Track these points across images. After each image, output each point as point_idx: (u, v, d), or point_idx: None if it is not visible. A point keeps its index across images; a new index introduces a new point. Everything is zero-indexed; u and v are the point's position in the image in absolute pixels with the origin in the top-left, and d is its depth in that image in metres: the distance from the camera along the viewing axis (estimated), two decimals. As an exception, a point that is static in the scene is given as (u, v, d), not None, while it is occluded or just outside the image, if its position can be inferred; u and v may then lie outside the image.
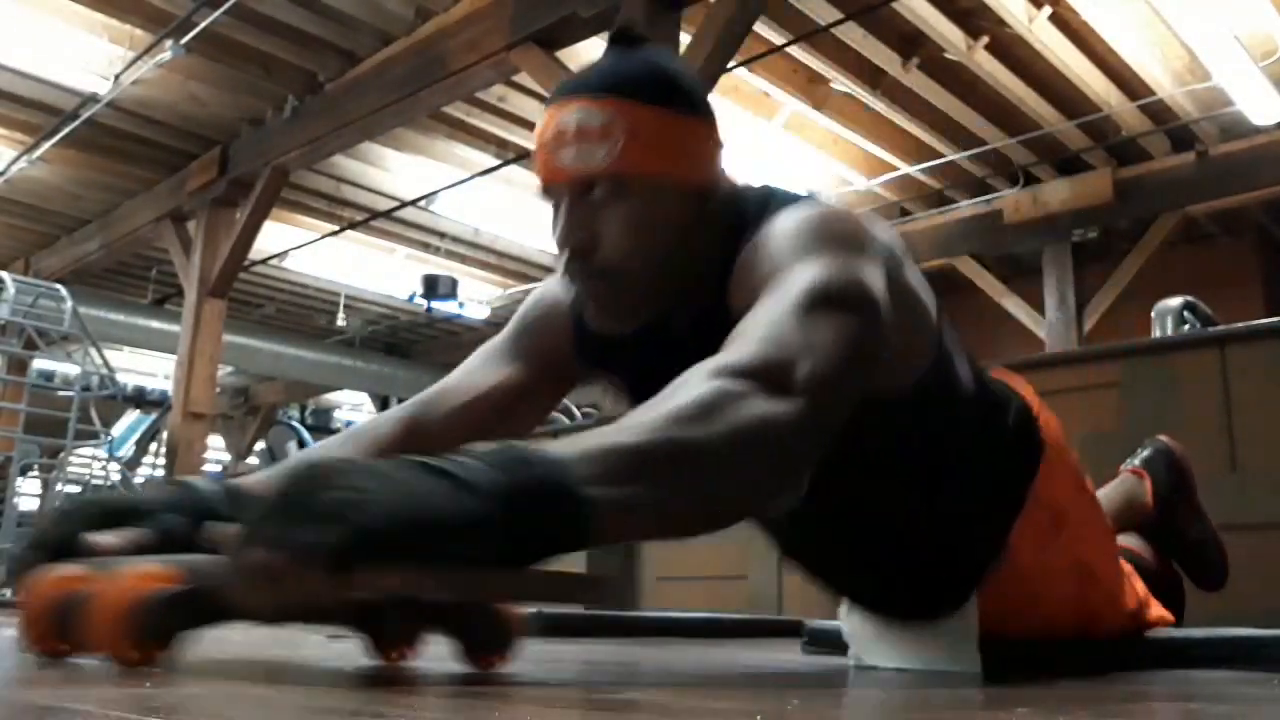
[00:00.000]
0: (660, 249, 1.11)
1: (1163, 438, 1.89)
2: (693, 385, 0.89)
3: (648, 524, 0.88)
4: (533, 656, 1.69)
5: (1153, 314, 4.30)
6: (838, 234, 1.04)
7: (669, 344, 1.14)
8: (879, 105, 6.13)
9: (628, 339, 1.16)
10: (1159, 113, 6.28)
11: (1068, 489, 1.33)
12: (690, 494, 0.88)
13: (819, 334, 0.95)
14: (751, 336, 0.95)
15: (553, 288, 1.31)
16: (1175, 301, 4.35)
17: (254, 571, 0.74)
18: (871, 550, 1.27)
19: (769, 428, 0.89)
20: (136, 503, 1.05)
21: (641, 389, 1.17)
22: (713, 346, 0.99)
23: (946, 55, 5.62)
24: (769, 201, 1.12)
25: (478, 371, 1.31)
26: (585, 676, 1.25)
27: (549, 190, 1.14)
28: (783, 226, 1.06)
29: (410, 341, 11.80)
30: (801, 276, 0.99)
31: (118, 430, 10.00)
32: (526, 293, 9.91)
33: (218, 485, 1.10)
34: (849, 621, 1.38)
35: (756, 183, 1.19)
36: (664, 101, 1.10)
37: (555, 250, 1.15)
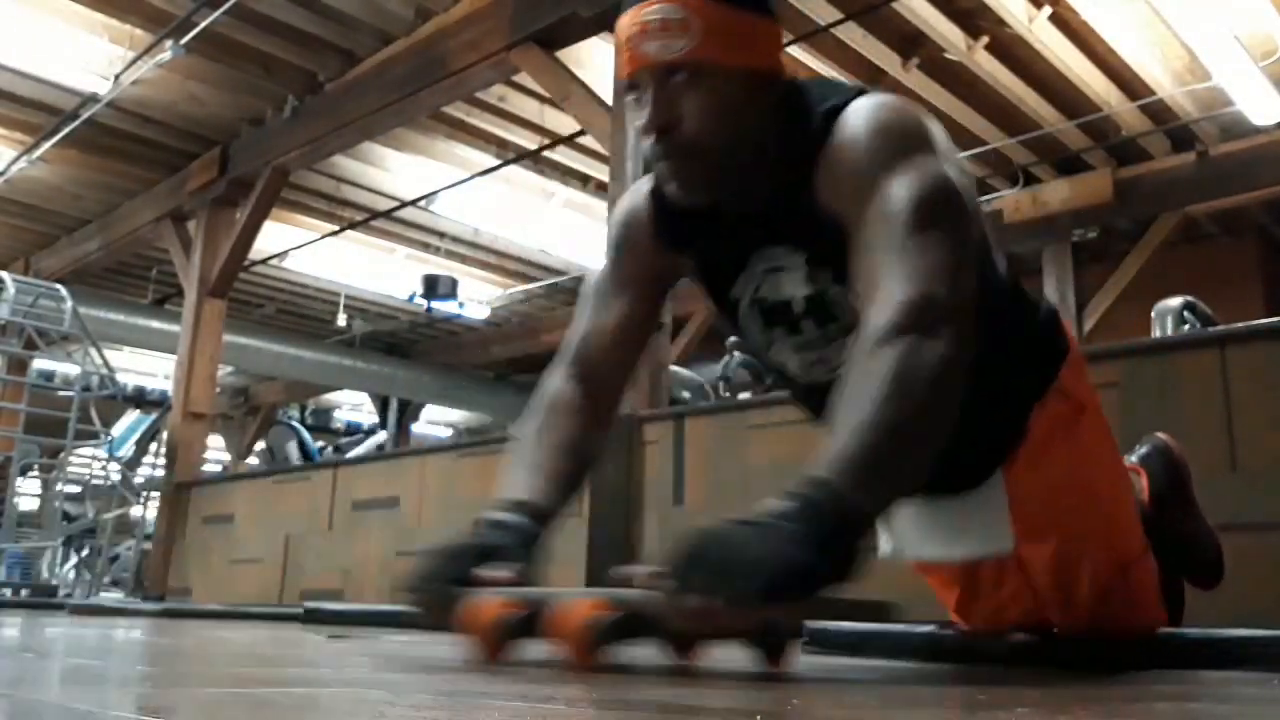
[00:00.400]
0: (733, 128, 1.27)
1: (1160, 435, 1.89)
2: (875, 363, 1.11)
3: (894, 498, 1.19)
4: (532, 656, 1.68)
5: (1153, 314, 4.30)
6: (912, 135, 1.23)
7: (740, 220, 1.34)
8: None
9: (704, 216, 1.35)
10: (1159, 113, 6.27)
11: (1087, 387, 1.47)
12: (917, 457, 1.14)
13: (939, 251, 1.16)
14: (885, 282, 1.15)
15: (626, 202, 1.50)
16: (1175, 301, 4.35)
17: (688, 610, 1.03)
18: None
19: (945, 366, 1.12)
20: (495, 544, 1.30)
21: (713, 264, 1.41)
22: (787, 226, 1.29)
23: (946, 55, 5.61)
24: (827, 93, 1.30)
25: (603, 313, 1.51)
26: (585, 676, 1.25)
27: (634, 79, 1.28)
28: (858, 128, 1.24)
29: (410, 341, 11.80)
30: (900, 192, 1.18)
31: (118, 430, 9.99)
32: (526, 294, 9.93)
33: (523, 519, 1.36)
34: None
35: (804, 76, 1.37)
36: (734, 1, 1.27)
37: (642, 134, 1.30)
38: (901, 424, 1.09)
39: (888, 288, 1.14)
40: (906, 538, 1.47)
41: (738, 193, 1.32)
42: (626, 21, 1.28)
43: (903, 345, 1.10)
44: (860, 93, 1.29)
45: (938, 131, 1.27)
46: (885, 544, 1.51)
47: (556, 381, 1.52)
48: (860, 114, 1.24)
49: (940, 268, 1.15)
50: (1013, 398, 1.38)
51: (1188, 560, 1.81)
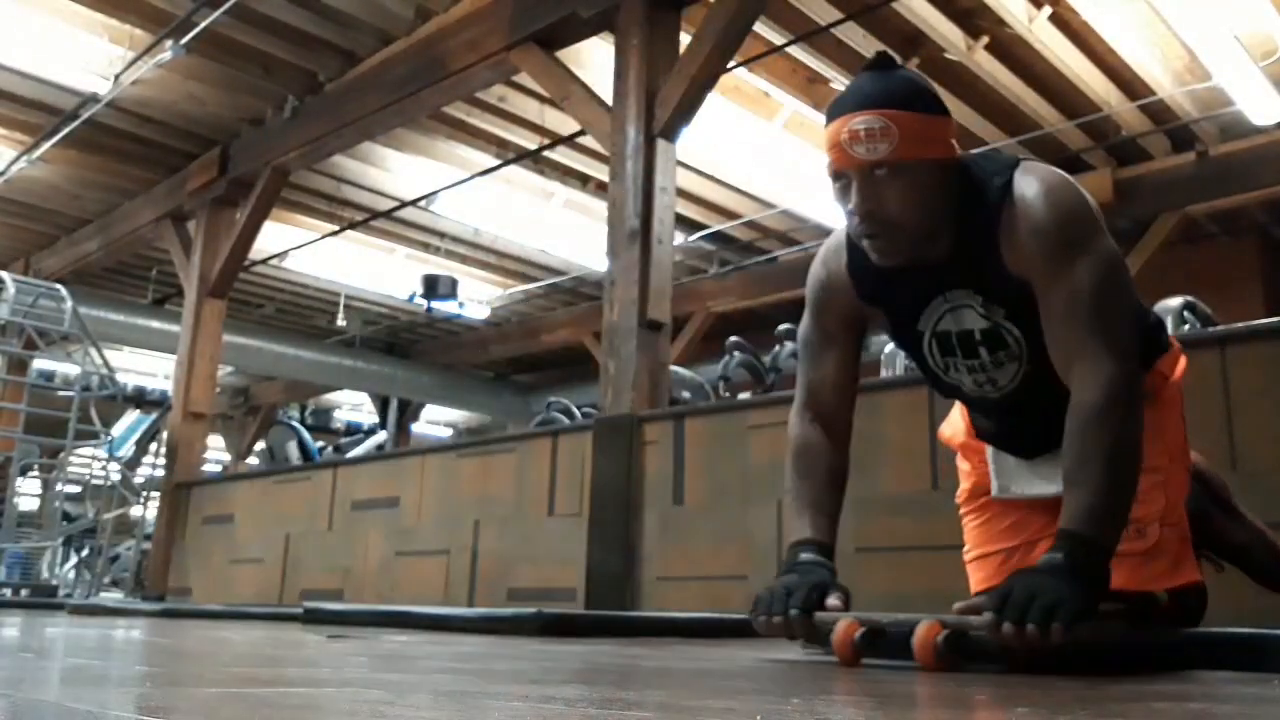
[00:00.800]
0: (923, 209, 1.58)
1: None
2: (1097, 435, 1.48)
3: (1122, 529, 1.50)
4: (533, 656, 1.69)
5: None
6: (1085, 219, 1.56)
7: (925, 272, 1.65)
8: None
9: (895, 271, 1.66)
10: (1159, 113, 6.27)
11: (1177, 369, 1.79)
12: (1132, 494, 1.50)
13: (1123, 325, 1.54)
14: (1086, 356, 1.51)
15: (821, 269, 1.81)
16: (1175, 301, 4.34)
17: (1008, 634, 1.35)
18: (1037, 420, 1.71)
19: (1140, 424, 1.52)
20: (822, 580, 1.63)
21: (901, 309, 1.73)
22: (967, 274, 1.62)
23: (947, 55, 5.61)
24: (991, 166, 1.61)
25: (818, 366, 1.83)
26: (585, 676, 1.25)
27: (841, 174, 1.59)
28: (1040, 210, 1.55)
29: (410, 341, 11.80)
30: (1085, 275, 1.53)
31: (118, 430, 9.98)
32: (525, 294, 9.92)
33: (823, 557, 1.69)
34: (996, 460, 1.85)
35: (967, 154, 1.67)
36: (920, 108, 1.58)
37: (844, 215, 1.63)
38: (1120, 479, 1.48)
39: (1091, 362, 1.51)
40: (1015, 480, 1.81)
41: (926, 253, 1.62)
42: (835, 127, 1.58)
43: (1114, 419, 1.49)
44: (1014, 165, 1.61)
45: (1090, 201, 1.59)
46: (995, 486, 1.83)
47: (799, 427, 1.84)
48: (1035, 197, 1.56)
49: (1127, 341, 1.53)
50: None
51: (1246, 567, 1.87)
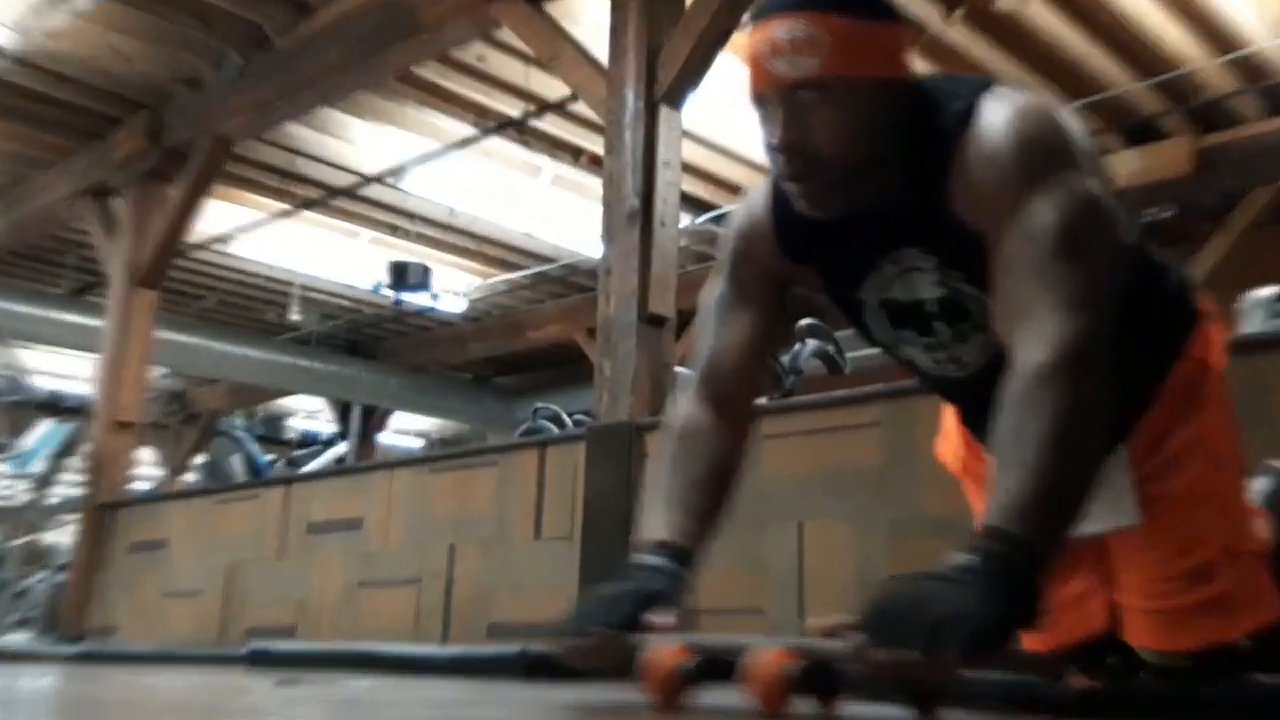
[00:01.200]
0: (863, 141, 1.43)
1: (1278, 464, 1.89)
2: (1037, 405, 1.28)
3: (1067, 536, 1.30)
4: (516, 702, 1.71)
5: (1240, 306, 4.30)
6: (1053, 149, 1.39)
7: (868, 226, 1.51)
8: (916, 64, 6.12)
9: (830, 225, 1.52)
10: (1251, 69, 6.26)
11: (1216, 352, 1.64)
12: (1085, 491, 1.30)
13: (1086, 278, 1.33)
14: (1035, 310, 1.32)
15: (743, 216, 1.74)
16: (1267, 292, 4.35)
17: (882, 662, 1.16)
18: None
19: (1100, 400, 1.31)
20: (656, 590, 1.48)
21: (836, 272, 1.60)
22: (917, 228, 1.46)
23: (995, 6, 5.62)
24: (954, 90, 1.46)
25: (727, 330, 1.70)
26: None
27: (762, 97, 1.47)
28: (997, 141, 1.38)
29: (375, 339, 11.81)
30: (1045, 215, 1.34)
31: (28, 442, 10.01)
32: (508, 284, 9.92)
33: (671, 563, 1.53)
34: None
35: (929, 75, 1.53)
36: (858, 12, 1.43)
37: (765, 151, 1.50)
38: (1070, 466, 1.27)
39: (1039, 319, 1.32)
40: None
41: (867, 202, 1.49)
42: (756, 38, 1.45)
43: (1062, 385, 1.28)
44: (985, 87, 1.44)
45: (1075, 133, 1.42)
46: None
47: (687, 406, 1.71)
48: (998, 123, 1.40)
49: (1089, 297, 1.33)
50: (1137, 377, 1.55)
51: None
